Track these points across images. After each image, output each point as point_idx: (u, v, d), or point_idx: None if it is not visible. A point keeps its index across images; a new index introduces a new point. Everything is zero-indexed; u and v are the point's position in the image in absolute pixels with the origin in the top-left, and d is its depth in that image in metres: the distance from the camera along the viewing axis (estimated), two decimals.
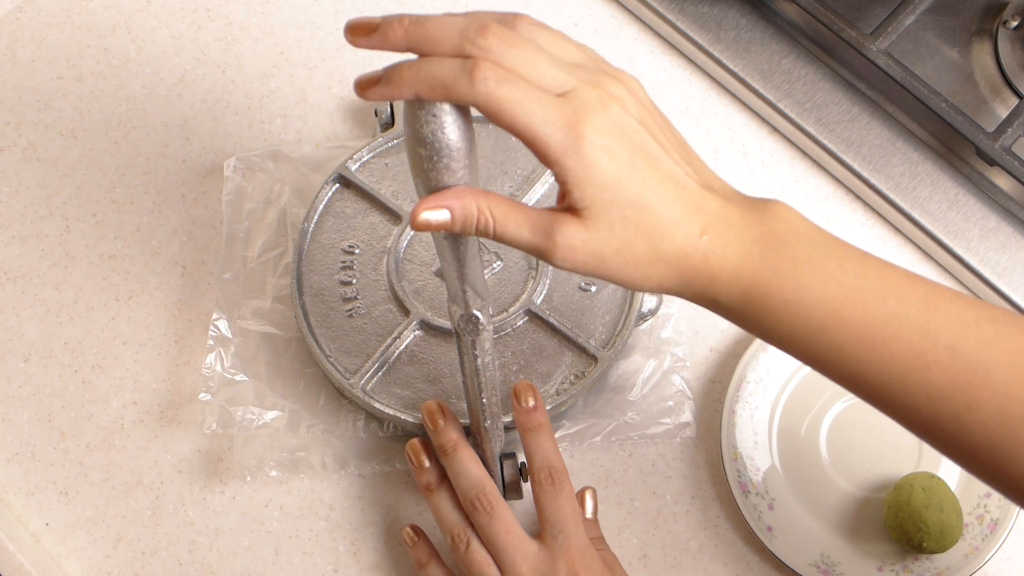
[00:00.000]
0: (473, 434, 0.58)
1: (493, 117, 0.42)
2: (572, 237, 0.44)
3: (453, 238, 0.47)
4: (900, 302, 0.43)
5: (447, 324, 0.62)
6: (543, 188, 0.66)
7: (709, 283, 0.44)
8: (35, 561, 0.60)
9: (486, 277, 0.64)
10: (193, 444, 0.63)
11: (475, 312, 0.52)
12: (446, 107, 0.43)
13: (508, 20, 0.44)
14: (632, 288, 0.46)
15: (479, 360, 0.54)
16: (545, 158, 0.43)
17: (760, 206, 0.46)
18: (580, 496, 0.59)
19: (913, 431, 0.45)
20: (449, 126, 0.43)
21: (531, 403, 0.58)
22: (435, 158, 0.44)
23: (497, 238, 0.45)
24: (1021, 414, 0.41)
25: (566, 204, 0.44)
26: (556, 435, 0.62)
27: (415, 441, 0.59)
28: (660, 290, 0.46)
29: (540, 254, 0.45)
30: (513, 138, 0.67)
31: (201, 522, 0.62)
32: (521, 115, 0.42)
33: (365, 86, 0.44)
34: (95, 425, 0.64)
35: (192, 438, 0.63)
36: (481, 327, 0.52)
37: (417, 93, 0.43)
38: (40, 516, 0.62)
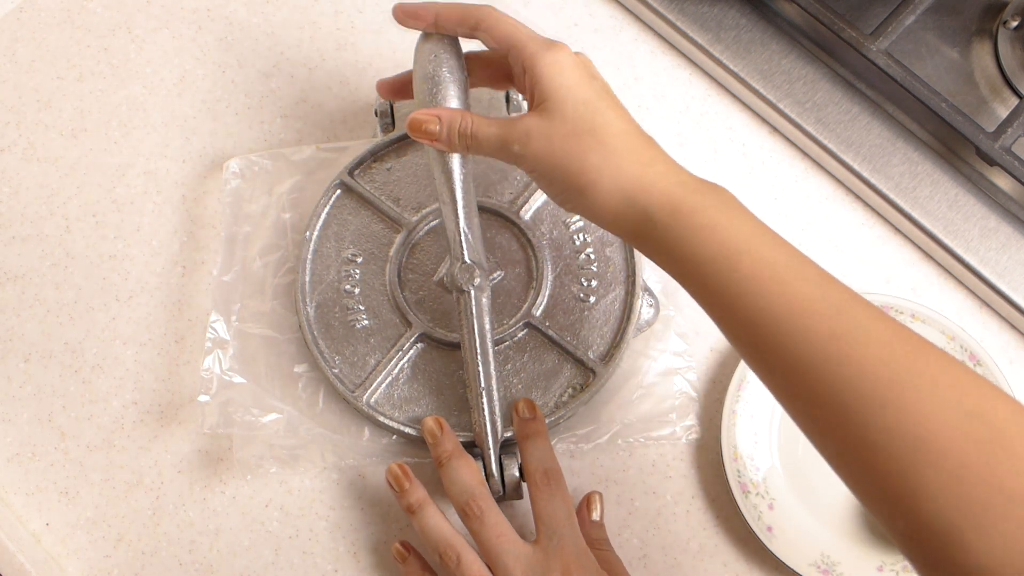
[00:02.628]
0: (472, 419, 0.59)
1: (491, 29, 0.53)
2: (529, 124, 0.51)
3: (445, 166, 0.57)
4: (802, 263, 0.46)
5: (449, 337, 0.63)
6: (544, 195, 0.66)
7: (644, 189, 0.49)
8: (35, 561, 0.60)
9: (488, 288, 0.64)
10: (193, 444, 0.63)
11: (470, 261, 0.58)
12: (446, 42, 0.57)
13: None
14: (573, 189, 0.50)
15: (477, 322, 0.59)
16: (521, 58, 0.52)
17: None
18: (587, 500, 0.60)
19: (772, 380, 0.46)
20: (447, 62, 0.56)
21: (528, 415, 0.59)
22: (435, 89, 0.56)
23: (474, 140, 0.54)
24: (888, 379, 0.41)
25: (533, 105, 0.52)
26: (561, 436, 0.62)
27: (393, 466, 0.59)
28: (595, 191, 0.50)
29: (503, 146, 0.52)
30: None
31: (201, 522, 0.62)
32: (513, 29, 0.53)
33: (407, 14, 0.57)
34: (95, 425, 0.64)
35: (192, 438, 0.63)
36: (480, 278, 0.59)
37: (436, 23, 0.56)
38: (40, 516, 0.62)
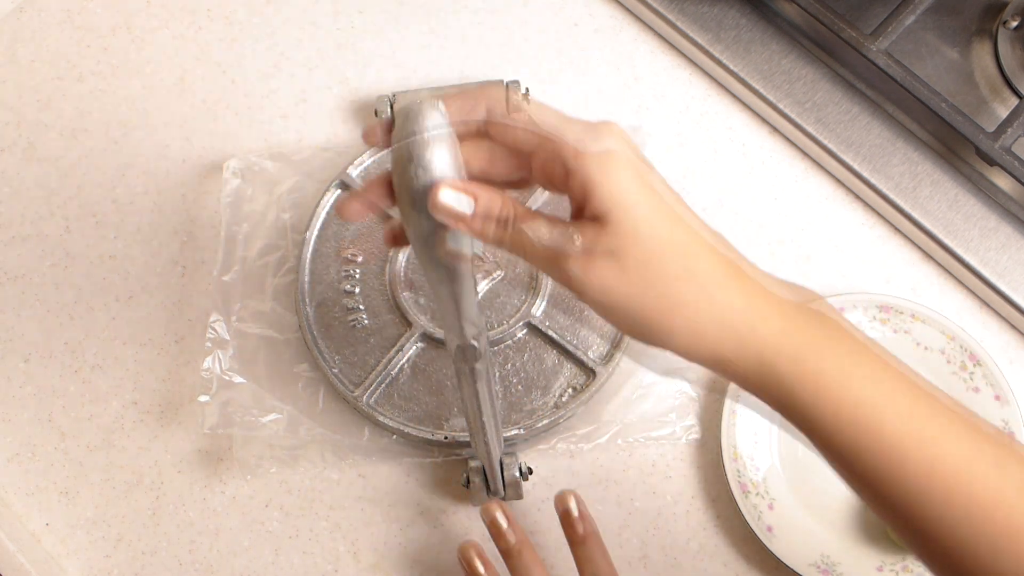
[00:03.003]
0: (473, 446, 0.58)
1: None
2: (592, 241, 0.40)
3: (451, 272, 0.45)
4: (945, 413, 0.41)
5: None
6: (544, 195, 0.66)
7: (754, 329, 0.41)
8: (35, 561, 0.60)
9: (487, 288, 0.64)
10: (193, 444, 0.63)
11: (472, 342, 0.50)
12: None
13: None
14: (659, 329, 0.41)
15: (478, 385, 0.53)
16: (562, 156, 0.41)
17: (789, 283, 0.44)
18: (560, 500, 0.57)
19: (902, 531, 0.43)
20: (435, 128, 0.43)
21: (575, 512, 0.56)
22: (422, 158, 0.43)
23: (516, 236, 0.42)
24: (1007, 534, 0.39)
25: (585, 215, 0.41)
26: (561, 436, 0.62)
27: (492, 507, 0.56)
28: (689, 329, 0.41)
29: (556, 259, 0.41)
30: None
31: (201, 522, 0.62)
32: (543, 117, 0.42)
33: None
34: (95, 425, 0.64)
35: (192, 438, 0.63)
36: (478, 355, 0.51)
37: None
38: (40, 516, 0.62)
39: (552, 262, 0.41)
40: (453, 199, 0.41)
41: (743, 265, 0.42)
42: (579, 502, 0.56)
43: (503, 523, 0.56)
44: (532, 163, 0.43)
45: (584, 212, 0.41)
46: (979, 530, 0.40)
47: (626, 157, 0.41)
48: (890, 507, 0.42)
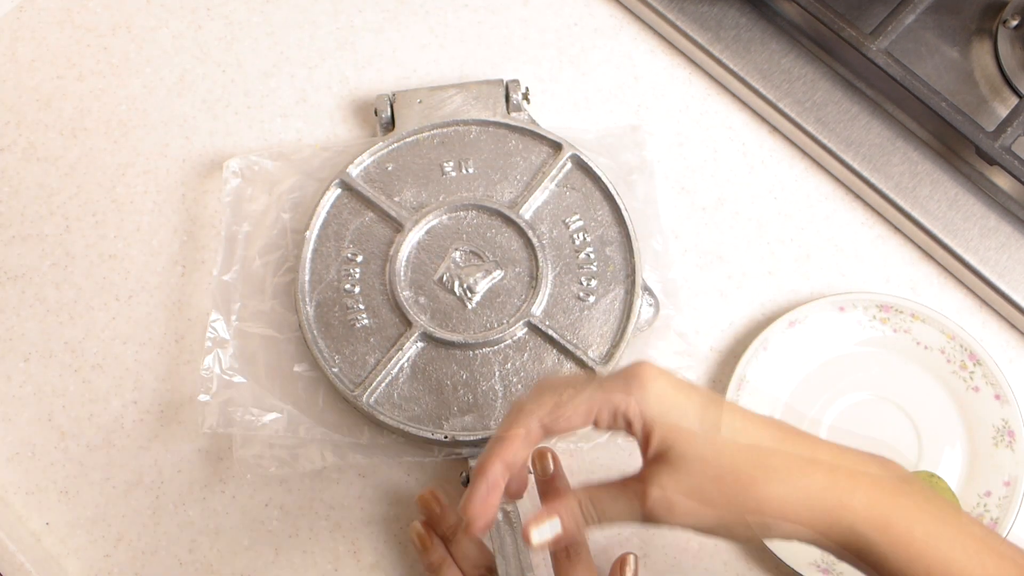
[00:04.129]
0: None
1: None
2: (665, 486, 0.43)
3: (515, 541, 0.54)
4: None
5: (449, 336, 0.62)
6: (544, 195, 0.66)
7: (844, 505, 0.43)
8: (35, 561, 0.60)
9: (487, 287, 0.64)
10: (193, 444, 0.63)
11: None
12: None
13: None
14: (749, 527, 0.44)
15: None
16: (614, 411, 0.44)
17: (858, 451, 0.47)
18: (620, 562, 0.57)
19: None
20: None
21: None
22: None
23: (602, 523, 0.46)
24: None
25: (650, 455, 0.45)
26: (562, 435, 0.62)
27: (425, 493, 0.58)
28: (781, 521, 0.44)
29: (640, 519, 0.45)
30: (512, 142, 0.67)
31: (201, 521, 0.62)
32: (589, 400, 0.45)
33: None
34: (95, 424, 0.64)
35: (192, 438, 0.63)
36: None
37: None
38: (40, 515, 0.62)
39: (642, 522, 0.45)
40: (541, 535, 0.46)
41: (811, 438, 0.46)
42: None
43: (436, 509, 0.58)
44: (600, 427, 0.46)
45: (649, 450, 0.45)
46: None
47: (666, 386, 0.44)
48: None
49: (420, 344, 0.63)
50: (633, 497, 0.45)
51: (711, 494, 0.43)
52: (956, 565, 0.43)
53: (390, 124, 0.68)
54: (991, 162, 0.64)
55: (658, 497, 0.44)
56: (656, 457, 0.44)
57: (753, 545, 0.46)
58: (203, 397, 0.61)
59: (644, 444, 0.45)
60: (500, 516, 0.56)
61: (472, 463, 0.59)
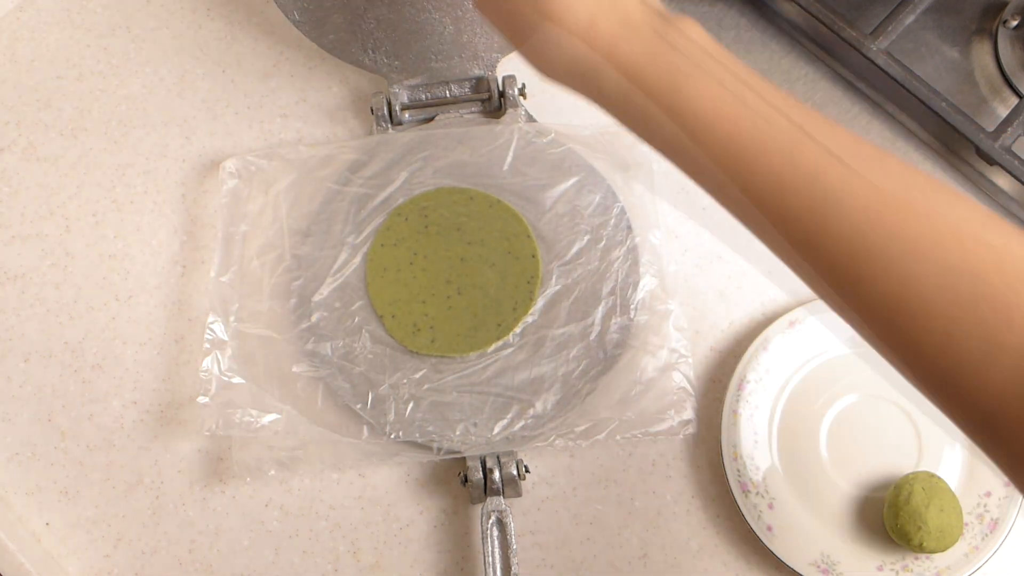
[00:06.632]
0: None
1: None
2: None
3: None
4: (770, 124, 0.43)
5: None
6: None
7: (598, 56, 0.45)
8: (35, 561, 0.60)
9: None
10: (193, 444, 0.63)
11: None
12: None
13: None
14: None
15: None
16: None
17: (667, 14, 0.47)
18: None
19: (776, 249, 0.44)
20: None
21: None
22: None
23: None
24: (867, 249, 0.41)
25: None
26: (560, 433, 0.62)
27: None
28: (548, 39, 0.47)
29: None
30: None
31: (201, 522, 0.62)
32: None
33: None
34: (95, 425, 0.64)
35: (192, 438, 0.63)
36: None
37: None
38: (40, 516, 0.62)
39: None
40: None
41: None
42: None
43: None
44: None
45: None
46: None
47: None
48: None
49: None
50: None
51: None
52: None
53: (387, 122, 0.68)
54: (991, 162, 0.64)
55: None
56: None
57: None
58: (202, 399, 0.61)
59: None
60: (493, 519, 0.56)
61: (472, 463, 0.59)
